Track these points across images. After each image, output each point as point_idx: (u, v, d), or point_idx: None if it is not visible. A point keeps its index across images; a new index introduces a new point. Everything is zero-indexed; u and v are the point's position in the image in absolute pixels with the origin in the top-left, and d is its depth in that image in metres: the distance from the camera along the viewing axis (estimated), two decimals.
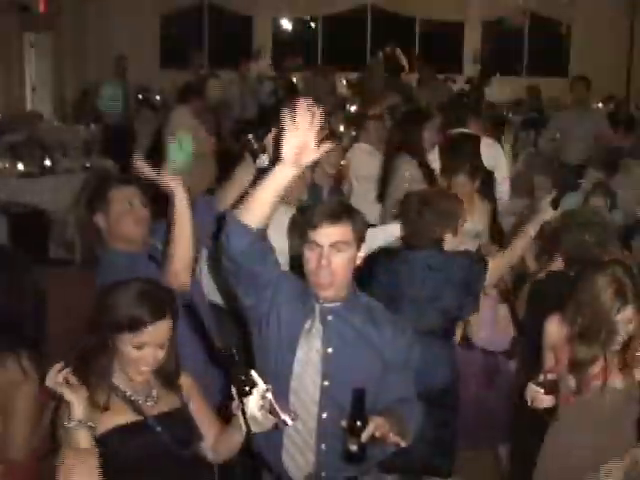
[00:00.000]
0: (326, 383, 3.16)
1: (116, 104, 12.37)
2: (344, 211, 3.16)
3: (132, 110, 12.80)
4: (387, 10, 17.70)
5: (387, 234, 4.92)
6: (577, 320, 3.60)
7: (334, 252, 3.07)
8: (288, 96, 12.65)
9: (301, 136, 2.75)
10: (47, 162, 9.92)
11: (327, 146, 2.82)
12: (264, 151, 3.86)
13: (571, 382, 3.59)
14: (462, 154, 6.37)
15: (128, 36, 15.90)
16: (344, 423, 2.94)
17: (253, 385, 2.78)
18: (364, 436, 2.87)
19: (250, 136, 3.83)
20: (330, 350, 3.17)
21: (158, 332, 2.90)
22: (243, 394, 2.78)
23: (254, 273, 3.10)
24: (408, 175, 6.30)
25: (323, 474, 3.24)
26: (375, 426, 2.88)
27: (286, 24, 19.06)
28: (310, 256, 3.11)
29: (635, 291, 3.53)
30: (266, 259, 3.11)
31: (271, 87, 13.31)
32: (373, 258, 4.62)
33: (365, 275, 4.69)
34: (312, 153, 2.79)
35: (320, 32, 18.46)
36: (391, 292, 4.44)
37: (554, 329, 3.72)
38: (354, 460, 2.93)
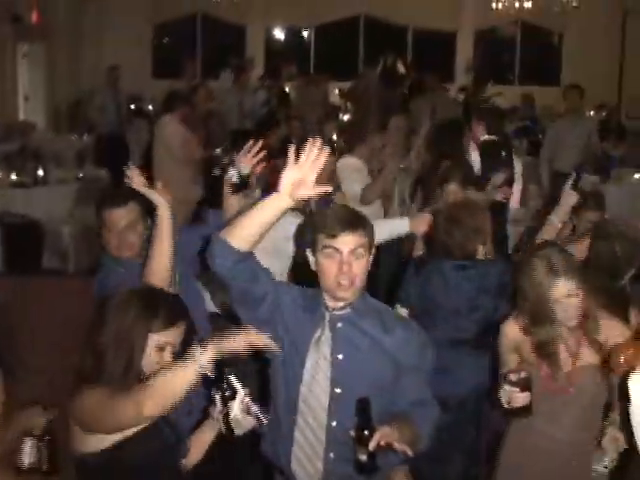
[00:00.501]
0: (338, 390, 3.19)
1: (108, 116, 12.39)
2: (358, 218, 3.20)
3: (125, 120, 12.80)
4: (380, 19, 17.75)
5: (394, 229, 4.88)
6: (525, 307, 3.63)
7: (353, 258, 3.11)
8: (281, 105, 12.70)
9: (301, 172, 2.81)
10: (40, 172, 9.89)
11: (324, 188, 2.87)
12: (233, 165, 3.94)
13: (543, 371, 3.60)
14: (456, 163, 6.36)
15: (121, 46, 15.91)
16: (352, 433, 2.97)
17: (234, 390, 2.94)
18: (372, 445, 2.88)
19: (218, 150, 3.92)
20: (340, 357, 3.20)
21: (178, 334, 2.99)
22: (227, 399, 2.94)
23: (244, 290, 3.16)
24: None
25: None
26: (381, 435, 2.89)
27: (279, 34, 19.10)
28: (329, 263, 3.13)
29: (568, 265, 3.56)
30: (256, 277, 3.15)
31: (264, 96, 13.33)
32: (401, 269, 4.65)
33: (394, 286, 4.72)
34: (309, 189, 2.82)
35: (313, 41, 18.50)
36: (424, 304, 4.44)
37: (512, 329, 3.73)
38: (365, 470, 2.95)
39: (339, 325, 3.21)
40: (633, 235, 4.36)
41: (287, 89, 14.31)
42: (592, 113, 13.49)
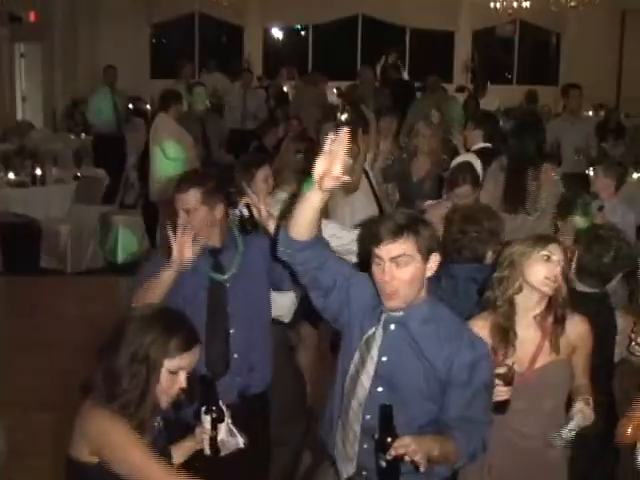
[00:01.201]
0: (379, 389, 3.22)
1: (105, 116, 12.35)
2: (407, 225, 3.16)
3: (122, 119, 12.79)
4: (378, 20, 17.76)
5: (345, 239, 4.88)
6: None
7: (394, 266, 3.13)
8: (279, 105, 12.70)
9: (327, 162, 2.91)
10: (38, 172, 9.90)
11: (345, 178, 2.95)
12: (235, 205, 4.08)
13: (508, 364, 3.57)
14: (468, 165, 6.31)
15: (119, 46, 15.92)
16: (376, 436, 2.98)
17: (223, 413, 3.08)
18: (389, 453, 2.89)
19: (232, 190, 4.00)
20: (385, 358, 3.23)
21: (192, 357, 2.95)
22: (216, 421, 3.07)
23: (312, 278, 3.33)
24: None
25: (364, 473, 3.29)
26: (399, 445, 2.89)
27: (277, 33, 19.11)
28: (375, 270, 3.19)
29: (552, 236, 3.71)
30: (321, 265, 3.27)
31: (263, 96, 13.32)
32: None
33: None
34: (332, 180, 2.92)
35: (311, 41, 18.52)
36: None
37: (480, 328, 3.68)
38: (384, 477, 2.96)
39: (392, 327, 3.24)
40: (616, 244, 4.33)
41: (285, 89, 14.33)
42: (590, 113, 13.49)
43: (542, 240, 3.59)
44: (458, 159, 6.78)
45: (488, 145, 7.12)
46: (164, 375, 2.89)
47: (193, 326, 3.02)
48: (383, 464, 2.91)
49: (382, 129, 7.93)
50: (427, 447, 2.96)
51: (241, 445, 3.15)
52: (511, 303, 3.59)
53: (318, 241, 3.23)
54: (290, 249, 3.21)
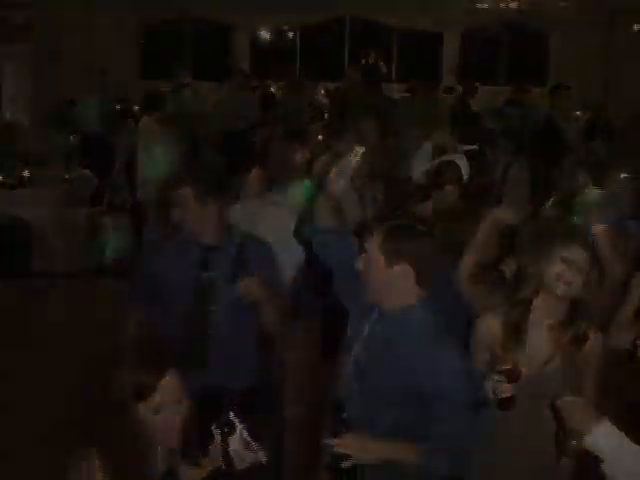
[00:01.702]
0: (355, 385, 3.31)
1: (94, 117, 12.32)
2: (384, 227, 3.29)
3: (111, 121, 12.76)
4: (365, 20, 17.75)
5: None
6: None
7: (365, 261, 3.28)
8: (267, 105, 12.68)
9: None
10: (26, 173, 9.88)
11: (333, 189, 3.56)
12: None
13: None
14: (453, 165, 6.32)
15: (109, 46, 15.87)
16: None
17: (233, 425, 3.06)
18: (332, 443, 3.07)
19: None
20: (364, 357, 3.31)
21: (170, 386, 2.78)
22: (226, 435, 3.05)
23: (327, 262, 3.67)
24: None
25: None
26: (342, 440, 3.06)
27: (265, 34, 19.08)
28: None
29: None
30: (338, 251, 3.59)
31: (254, 97, 13.30)
32: None
33: None
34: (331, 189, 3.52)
35: (299, 42, 18.50)
36: None
37: (490, 324, 3.66)
38: (330, 467, 3.13)
39: (378, 328, 3.30)
40: (576, 233, 4.34)
41: (273, 90, 14.31)
42: (579, 113, 13.50)
43: (566, 241, 3.57)
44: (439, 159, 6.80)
45: (474, 147, 7.17)
46: (150, 420, 2.75)
47: (160, 352, 2.91)
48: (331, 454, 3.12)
49: (363, 130, 7.94)
50: (371, 449, 3.12)
51: (261, 460, 3.09)
52: (527, 304, 3.60)
53: (338, 232, 3.64)
54: (307, 233, 3.70)
